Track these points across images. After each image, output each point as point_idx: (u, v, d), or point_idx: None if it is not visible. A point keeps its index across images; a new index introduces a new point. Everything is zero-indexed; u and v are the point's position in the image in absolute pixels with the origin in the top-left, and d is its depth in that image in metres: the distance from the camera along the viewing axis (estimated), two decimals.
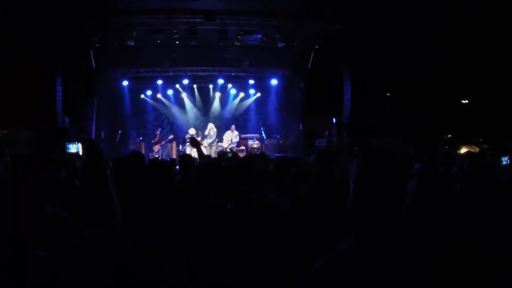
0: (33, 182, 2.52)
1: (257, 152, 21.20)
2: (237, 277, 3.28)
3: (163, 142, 22.82)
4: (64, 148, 16.61)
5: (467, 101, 19.58)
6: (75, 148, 17.00)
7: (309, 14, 17.19)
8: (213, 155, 18.89)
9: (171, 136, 23.34)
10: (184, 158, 7.50)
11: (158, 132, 23.07)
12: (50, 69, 16.99)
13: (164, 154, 22.43)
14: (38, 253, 2.23)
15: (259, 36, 19.16)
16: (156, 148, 22.30)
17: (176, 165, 9.40)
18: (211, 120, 24.34)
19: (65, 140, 16.85)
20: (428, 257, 1.92)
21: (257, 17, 17.48)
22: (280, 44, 19.03)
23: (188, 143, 20.64)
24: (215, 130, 22.27)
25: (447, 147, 14.26)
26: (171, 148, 23.31)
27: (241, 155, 15.53)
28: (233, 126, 23.13)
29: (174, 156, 21.86)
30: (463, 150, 12.54)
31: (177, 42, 19.01)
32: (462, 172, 5.43)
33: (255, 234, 3.57)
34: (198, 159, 7.36)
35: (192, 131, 22.25)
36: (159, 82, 24.65)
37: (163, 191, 4.80)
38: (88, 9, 16.11)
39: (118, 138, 22.86)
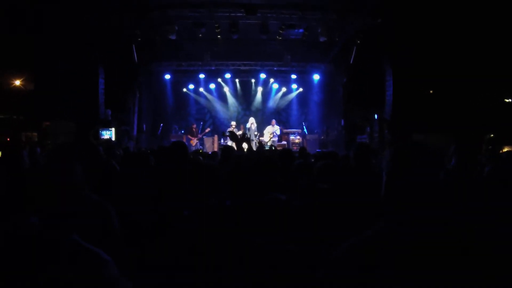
0: (71, 167, 2.53)
1: (299, 148, 21.19)
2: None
3: (199, 136, 22.90)
4: (98, 134, 16.90)
5: (510, 100, 19.17)
6: (108, 134, 17.28)
7: (352, 7, 17.02)
8: (254, 149, 18.91)
9: (207, 130, 23.45)
10: (226, 148, 7.57)
11: (194, 126, 23.19)
12: (92, 62, 17.25)
13: (205, 147, 22.53)
14: (72, 236, 2.24)
15: (301, 30, 19.08)
16: (194, 142, 22.39)
17: (217, 157, 9.49)
18: (253, 115, 24.37)
19: (100, 126, 17.13)
20: (457, 251, 1.88)
21: (299, 10, 17.37)
22: (322, 39, 18.86)
23: (224, 136, 20.80)
24: (255, 124, 22.23)
25: (490, 147, 13.94)
26: (213, 141, 23.42)
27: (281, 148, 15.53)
28: (273, 121, 23.06)
29: (216, 149, 21.97)
30: (506, 150, 12.27)
31: (218, 36, 19.07)
32: (498, 172, 5.30)
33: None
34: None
35: (233, 124, 22.32)
36: (201, 75, 24.84)
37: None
38: (130, 2, 16.29)
39: (159, 131, 23.11)
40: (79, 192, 2.47)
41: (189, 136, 22.69)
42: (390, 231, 1.95)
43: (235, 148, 7.80)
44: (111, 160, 5.48)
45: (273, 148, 14.83)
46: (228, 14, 17.46)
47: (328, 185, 4.06)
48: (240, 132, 21.48)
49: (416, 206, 1.95)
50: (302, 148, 12.19)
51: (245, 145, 7.87)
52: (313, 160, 7.76)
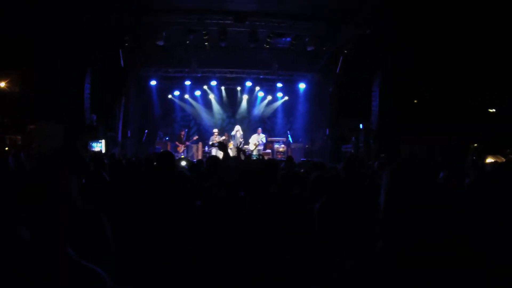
0: (61, 175, 2.47)
1: (283, 156, 21.21)
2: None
3: (187, 143, 22.83)
4: (87, 146, 16.78)
5: (494, 110, 19.30)
6: (99, 146, 17.14)
7: (341, 18, 17.08)
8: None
9: (195, 137, 23.39)
10: (211, 159, 7.55)
11: (183, 133, 23.10)
12: (79, 65, 17.11)
13: (189, 155, 22.46)
14: (67, 251, 2.16)
15: (288, 39, 19.09)
16: (181, 148, 22.31)
17: (203, 165, 9.44)
18: (238, 122, 24.37)
19: (89, 137, 17.00)
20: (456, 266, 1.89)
21: (288, 19, 17.39)
22: (309, 48, 18.90)
23: (213, 146, 20.78)
24: (241, 132, 22.20)
25: (474, 157, 14.01)
26: (197, 149, 23.37)
27: (267, 158, 15.54)
28: (259, 129, 23.05)
29: (200, 157, 21.94)
30: (489, 160, 12.32)
31: (206, 43, 19.03)
32: (486, 183, 5.32)
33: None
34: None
35: (216, 131, 22.29)
36: (187, 82, 24.71)
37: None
38: (120, 8, 16.21)
39: (144, 137, 22.97)
40: (74, 202, 2.41)
41: (177, 143, 22.63)
42: (390, 249, 1.95)
43: (222, 157, 7.82)
44: (100, 170, 5.42)
45: (260, 157, 14.84)
46: (217, 21, 17.43)
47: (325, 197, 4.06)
48: (223, 138, 21.48)
49: (416, 225, 1.94)
50: (289, 157, 12.18)
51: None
52: (302, 170, 7.73)
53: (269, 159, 12.10)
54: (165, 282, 3.32)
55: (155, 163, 6.69)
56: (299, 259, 3.25)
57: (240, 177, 4.83)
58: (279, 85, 25.36)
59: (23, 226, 2.12)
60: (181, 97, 25.75)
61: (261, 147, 22.27)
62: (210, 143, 22.05)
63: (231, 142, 21.93)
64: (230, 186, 4.81)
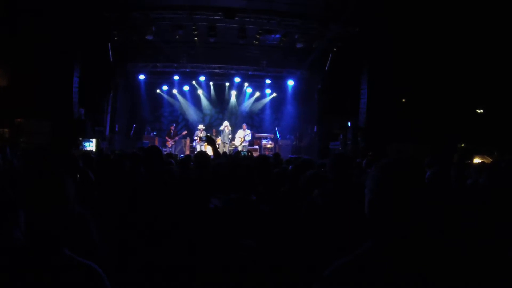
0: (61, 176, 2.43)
1: (270, 153, 21.19)
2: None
3: (176, 138, 22.77)
4: (79, 145, 16.69)
5: (482, 111, 19.38)
6: (90, 146, 17.03)
7: (330, 15, 17.09)
8: (227, 153, 18.87)
9: (184, 132, 23.31)
10: (201, 155, 7.49)
11: (172, 128, 23.03)
12: (67, 59, 16.99)
13: (177, 149, 22.41)
14: (64, 251, 2.15)
15: (278, 36, 19.07)
16: (170, 143, 22.26)
17: (191, 161, 9.39)
18: (226, 118, 24.35)
19: (81, 135, 16.89)
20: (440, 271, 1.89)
21: (277, 16, 17.38)
22: (298, 45, 18.91)
23: (201, 141, 20.72)
24: (229, 128, 22.18)
25: (461, 158, 14.06)
26: (185, 144, 23.33)
27: (255, 154, 15.54)
28: (244, 125, 22.99)
29: (188, 152, 21.92)
30: (476, 160, 12.41)
31: (195, 38, 18.97)
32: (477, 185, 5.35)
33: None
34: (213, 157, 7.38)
35: (201, 127, 22.26)
36: (176, 77, 24.62)
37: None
38: (110, 2, 16.12)
39: (132, 132, 22.88)
40: (70, 204, 2.39)
41: (166, 137, 22.59)
42: (379, 250, 1.94)
43: (211, 152, 7.75)
44: (87, 170, 5.35)
45: (249, 154, 14.79)
46: (206, 17, 17.38)
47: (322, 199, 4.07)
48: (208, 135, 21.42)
49: (404, 224, 1.92)
50: (276, 154, 12.17)
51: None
52: (290, 167, 7.71)
53: (260, 155, 12.13)
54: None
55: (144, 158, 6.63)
56: (298, 259, 3.26)
57: (232, 175, 4.81)
58: (268, 81, 25.33)
59: (17, 231, 2.11)
60: (169, 92, 25.68)
61: (246, 143, 22.24)
62: (195, 138, 22.03)
63: (219, 137, 21.93)
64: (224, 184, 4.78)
